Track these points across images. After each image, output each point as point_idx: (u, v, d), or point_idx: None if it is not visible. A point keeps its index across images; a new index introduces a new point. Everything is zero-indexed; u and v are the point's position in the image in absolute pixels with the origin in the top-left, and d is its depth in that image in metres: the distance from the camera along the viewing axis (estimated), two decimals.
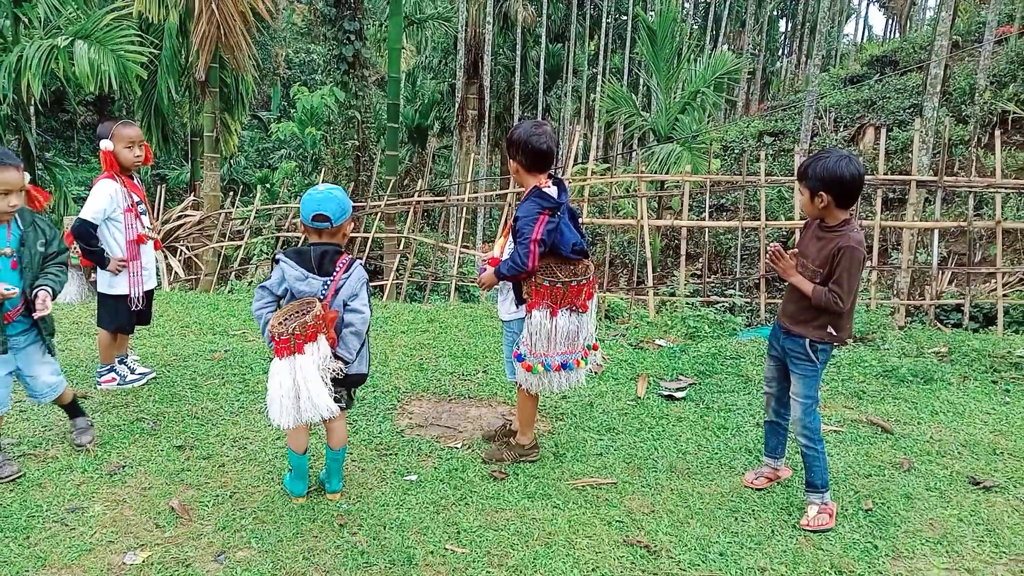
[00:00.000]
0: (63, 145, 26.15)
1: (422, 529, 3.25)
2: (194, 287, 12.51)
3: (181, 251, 13.32)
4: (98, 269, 4.53)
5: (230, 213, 13.75)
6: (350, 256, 3.36)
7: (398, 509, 3.41)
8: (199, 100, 16.23)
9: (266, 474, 3.67)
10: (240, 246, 12.97)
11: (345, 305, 3.30)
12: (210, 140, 14.27)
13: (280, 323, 3.13)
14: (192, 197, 16.07)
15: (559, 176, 3.86)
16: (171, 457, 3.81)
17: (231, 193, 20.09)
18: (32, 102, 13.84)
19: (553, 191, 3.69)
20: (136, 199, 4.62)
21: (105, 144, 4.43)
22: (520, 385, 3.87)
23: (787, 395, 3.61)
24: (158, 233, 4.90)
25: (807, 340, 3.43)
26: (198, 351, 5.54)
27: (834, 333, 3.42)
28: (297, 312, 3.18)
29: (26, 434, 4.00)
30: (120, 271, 4.54)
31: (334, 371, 3.21)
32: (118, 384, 4.72)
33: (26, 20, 13.57)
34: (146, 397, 4.58)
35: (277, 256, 3.31)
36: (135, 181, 4.70)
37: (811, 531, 3.34)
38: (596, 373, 5.44)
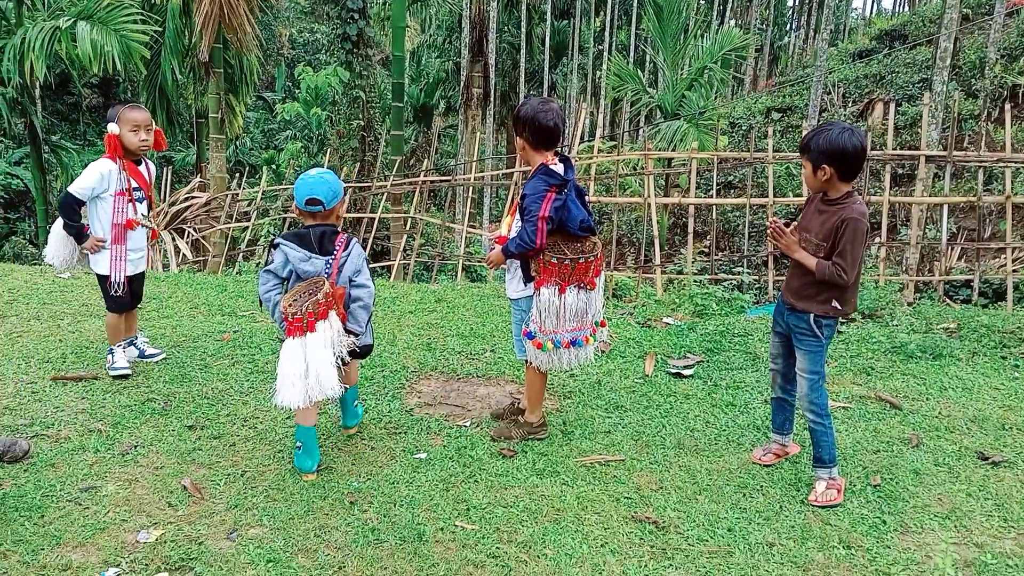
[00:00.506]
0: (69, 128, 26.13)
1: (432, 506, 3.27)
2: (202, 269, 12.55)
3: (188, 233, 13.34)
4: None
5: (237, 194, 13.75)
6: (347, 234, 3.52)
7: (408, 487, 3.43)
8: (203, 81, 16.19)
9: (276, 453, 3.70)
10: (247, 227, 12.99)
11: (351, 281, 3.47)
12: (215, 121, 14.25)
13: (291, 303, 3.25)
14: (198, 179, 16.07)
15: (565, 154, 3.85)
16: (182, 437, 3.84)
17: (237, 175, 20.08)
18: (37, 85, 13.82)
19: (560, 168, 3.67)
20: (134, 185, 4.52)
21: (111, 127, 4.38)
22: (529, 363, 3.88)
23: (793, 371, 3.61)
24: (158, 219, 4.83)
25: (811, 315, 3.42)
26: (207, 332, 5.57)
27: (839, 307, 3.41)
28: (307, 292, 3.30)
29: (38, 415, 4.03)
30: (98, 250, 4.47)
31: (349, 344, 3.37)
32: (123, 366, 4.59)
33: (29, 2, 13.55)
34: (156, 377, 4.60)
35: (276, 241, 3.40)
36: (143, 169, 4.60)
37: (819, 506, 3.36)
38: (603, 352, 5.44)
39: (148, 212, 4.68)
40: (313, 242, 3.40)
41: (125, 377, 4.55)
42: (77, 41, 11.88)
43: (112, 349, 4.65)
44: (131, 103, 4.61)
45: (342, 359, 3.34)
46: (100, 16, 12.23)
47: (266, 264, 3.44)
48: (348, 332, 3.41)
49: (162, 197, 14.98)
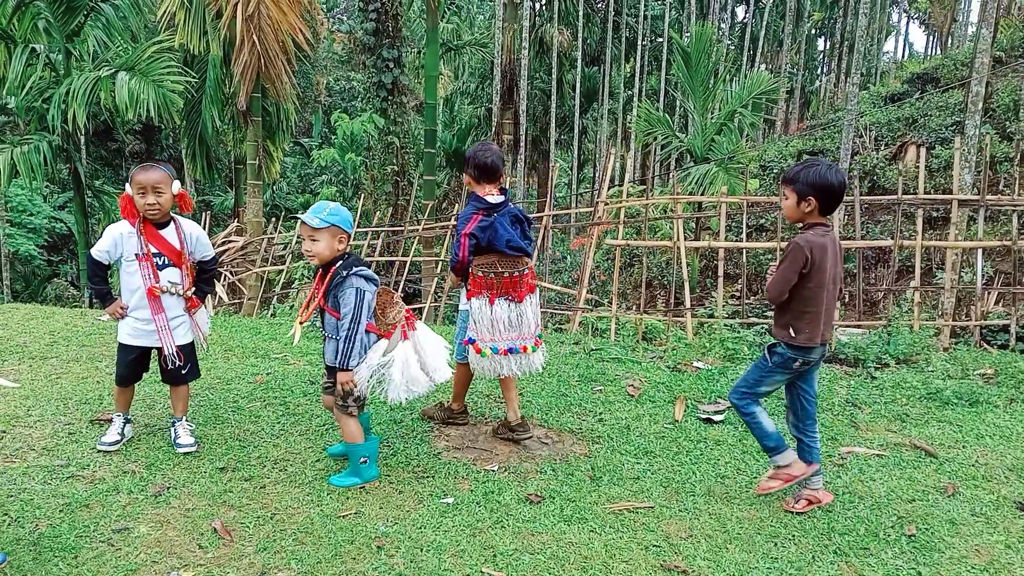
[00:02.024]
0: (112, 173, 26.88)
1: (458, 552, 3.27)
2: (238, 311, 12.74)
3: (225, 276, 13.59)
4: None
5: (272, 238, 14.00)
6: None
7: (435, 531, 3.43)
8: (242, 129, 16.61)
9: (306, 496, 3.72)
10: (282, 270, 13.19)
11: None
12: (253, 167, 14.58)
13: (382, 318, 3.84)
14: (236, 223, 16.40)
15: (504, 187, 4.44)
16: (214, 479, 3.88)
17: (273, 219, 20.47)
18: (81, 132, 14.29)
19: (495, 198, 4.29)
20: (154, 251, 4.11)
21: (128, 188, 4.08)
22: (459, 364, 4.56)
23: (798, 403, 3.87)
24: (188, 287, 4.24)
25: (773, 340, 3.79)
26: (240, 374, 5.65)
27: (792, 335, 3.66)
28: (390, 303, 3.88)
29: (74, 456, 4.10)
30: (119, 317, 4.17)
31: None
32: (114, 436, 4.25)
33: (77, 54, 14.09)
34: (189, 419, 4.67)
35: (356, 271, 3.72)
36: (168, 232, 4.19)
37: (761, 494, 3.82)
38: (633, 396, 5.43)
39: (181, 279, 4.23)
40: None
41: (106, 453, 4.14)
42: (115, 90, 12.31)
43: (112, 417, 4.38)
44: (149, 163, 4.21)
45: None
46: (141, 67, 12.68)
47: (362, 299, 3.73)
48: None
49: None
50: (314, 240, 3.72)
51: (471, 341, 4.31)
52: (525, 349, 4.32)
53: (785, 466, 3.74)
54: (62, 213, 25.73)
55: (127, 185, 4.07)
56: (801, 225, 3.71)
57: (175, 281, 4.20)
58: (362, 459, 3.86)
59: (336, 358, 3.76)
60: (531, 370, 4.43)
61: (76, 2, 13.62)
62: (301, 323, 3.93)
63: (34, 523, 3.37)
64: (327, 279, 3.76)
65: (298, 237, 13.61)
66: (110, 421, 4.40)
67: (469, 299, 4.33)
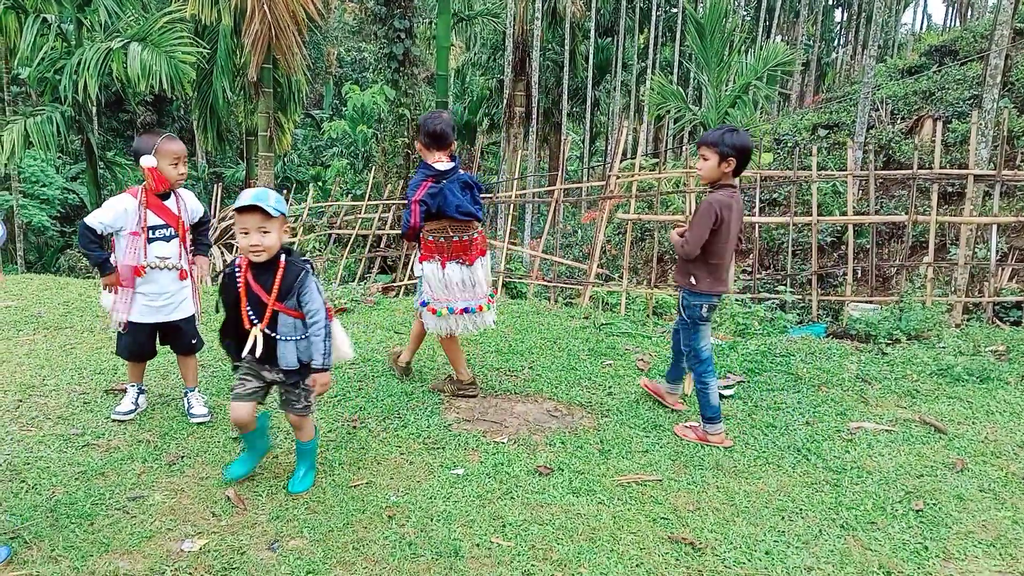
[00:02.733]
0: (124, 144, 26.90)
1: (468, 522, 3.30)
2: None
3: (236, 248, 13.64)
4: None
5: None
6: None
7: (445, 502, 3.47)
8: (253, 100, 16.57)
9: (318, 465, 3.76)
10: (292, 242, 13.23)
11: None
12: (264, 139, 14.58)
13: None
14: None
15: (455, 153, 4.66)
16: (227, 448, 3.93)
17: (284, 190, 20.47)
18: (93, 103, 14.30)
19: (444, 165, 4.48)
20: (160, 222, 4.13)
21: (147, 160, 3.99)
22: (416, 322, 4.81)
23: (678, 344, 4.55)
24: (187, 254, 4.23)
25: (682, 291, 4.30)
26: None
27: (693, 283, 4.20)
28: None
29: (89, 425, 4.16)
30: (114, 289, 4.12)
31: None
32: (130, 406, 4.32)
33: (88, 24, 14.05)
34: (203, 389, 4.72)
35: (313, 266, 3.49)
36: (173, 203, 4.21)
37: (677, 434, 4.29)
38: (643, 370, 5.44)
39: (180, 249, 4.24)
40: None
41: (120, 423, 4.21)
42: (128, 61, 12.29)
43: (124, 388, 4.42)
44: (166, 134, 4.17)
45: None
46: (152, 38, 12.65)
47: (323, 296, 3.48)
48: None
49: (213, 213, 15.33)
50: (265, 232, 3.23)
51: (424, 304, 4.61)
52: (481, 308, 4.65)
53: (711, 433, 4.22)
54: (75, 184, 25.82)
55: (148, 157, 3.98)
56: (710, 188, 4.18)
57: (163, 256, 4.16)
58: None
59: (317, 359, 3.37)
60: (484, 327, 4.78)
61: None
62: (262, 330, 3.38)
63: (50, 490, 3.43)
64: (279, 276, 3.32)
65: (309, 209, 13.60)
66: (124, 391, 4.46)
67: (421, 263, 4.58)
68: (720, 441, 4.20)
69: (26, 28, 13.23)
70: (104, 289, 4.16)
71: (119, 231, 4.06)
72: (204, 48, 15.04)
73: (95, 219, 4.01)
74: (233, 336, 3.50)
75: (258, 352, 3.40)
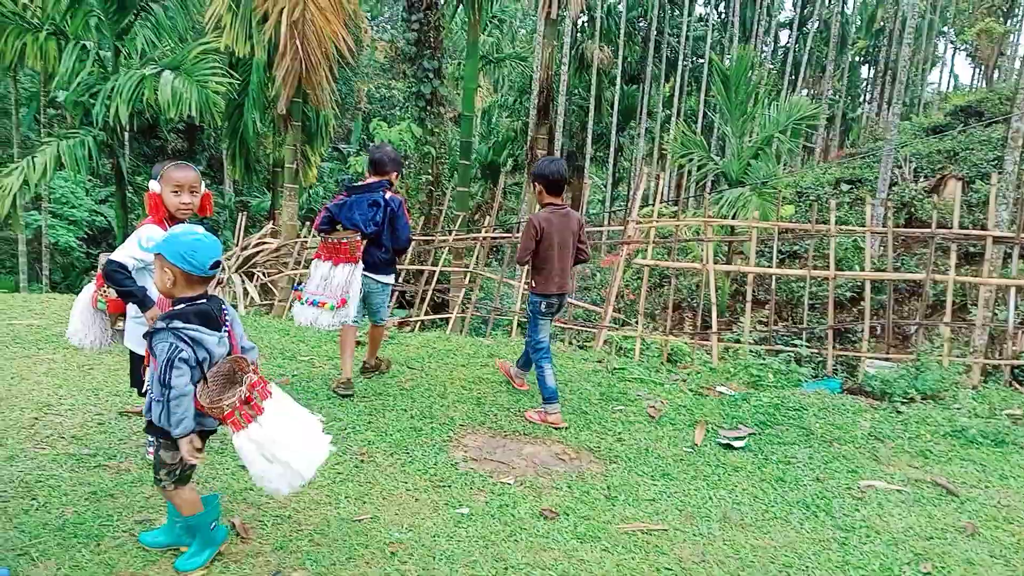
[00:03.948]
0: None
1: (471, 563, 3.29)
2: (269, 311, 12.90)
3: (257, 276, 13.78)
4: (128, 321, 4.04)
5: (306, 241, 14.18)
6: (211, 295, 3.02)
7: (448, 541, 3.46)
8: (282, 132, 16.87)
9: (323, 497, 3.78)
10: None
11: (241, 348, 3.06)
12: (290, 171, 14.81)
13: (213, 394, 2.77)
14: (271, 225, 16.63)
15: (383, 180, 5.38)
16: (235, 476, 3.95)
17: (308, 222, 20.71)
18: (124, 128, 14.63)
19: (369, 182, 5.30)
20: None
21: (152, 185, 3.92)
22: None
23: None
24: (228, 261, 4.54)
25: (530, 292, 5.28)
26: (267, 374, 5.71)
27: (533, 285, 5.23)
28: (224, 375, 2.84)
29: (102, 446, 4.20)
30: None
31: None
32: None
33: (125, 52, 14.43)
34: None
35: (171, 324, 2.78)
36: None
37: (527, 418, 5.13)
38: (653, 417, 5.42)
39: None
40: (215, 318, 2.87)
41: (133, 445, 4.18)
42: (159, 88, 12.59)
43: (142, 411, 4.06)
44: (178, 162, 4.11)
45: None
46: (185, 67, 12.97)
47: (172, 354, 2.74)
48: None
49: (236, 241, 15.53)
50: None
51: (296, 288, 5.63)
52: (323, 304, 5.18)
53: (550, 413, 5.09)
54: (103, 207, 26.25)
55: (154, 182, 3.93)
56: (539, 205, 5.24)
57: None
58: (211, 524, 3.13)
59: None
60: (322, 327, 5.29)
61: (127, 1, 13.98)
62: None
63: (60, 509, 3.46)
64: None
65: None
66: (139, 414, 4.50)
67: (315, 258, 5.40)
68: (557, 421, 5.03)
69: (66, 54, 13.61)
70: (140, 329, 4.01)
71: (150, 264, 3.88)
72: (236, 80, 15.39)
73: (122, 254, 3.87)
74: None
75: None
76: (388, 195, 5.28)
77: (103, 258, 4.04)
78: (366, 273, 5.31)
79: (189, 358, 2.73)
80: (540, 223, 5.05)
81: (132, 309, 3.98)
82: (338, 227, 5.24)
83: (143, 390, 3.41)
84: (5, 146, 24.35)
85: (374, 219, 5.20)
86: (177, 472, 2.99)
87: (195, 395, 2.77)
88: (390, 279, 5.54)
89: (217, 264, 2.86)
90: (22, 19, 13.58)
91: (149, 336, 2.81)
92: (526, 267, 5.43)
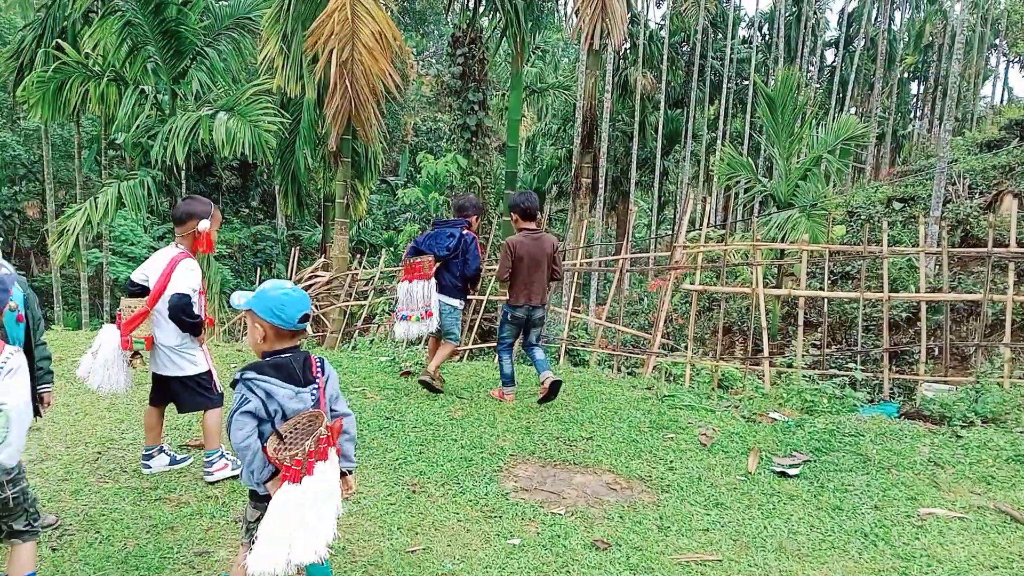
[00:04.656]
0: None
1: None
2: (321, 343, 13.11)
3: (311, 309, 14.02)
4: (156, 348, 4.32)
5: (356, 274, 14.40)
6: (314, 355, 2.98)
7: (500, 572, 3.48)
8: (332, 168, 17.24)
9: (377, 529, 3.83)
10: (364, 305, 13.53)
11: (332, 411, 2.91)
12: (341, 206, 15.09)
13: (283, 446, 2.68)
14: (323, 259, 16.93)
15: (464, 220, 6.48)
16: None
17: (359, 254, 21.05)
18: (181, 167, 15.10)
19: (446, 221, 6.46)
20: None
21: (204, 224, 4.32)
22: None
23: (524, 341, 6.44)
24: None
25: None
26: None
27: (508, 297, 6.20)
28: (294, 431, 2.74)
29: (162, 480, 4.32)
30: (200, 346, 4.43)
31: (345, 492, 2.89)
32: (231, 468, 4.37)
33: (181, 95, 14.96)
34: None
35: (245, 376, 2.77)
36: None
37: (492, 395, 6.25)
38: (704, 445, 5.37)
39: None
40: (297, 371, 2.83)
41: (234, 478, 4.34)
42: (214, 129, 13.02)
43: (221, 452, 4.42)
44: (206, 199, 4.52)
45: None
46: (239, 108, 13.38)
47: (239, 406, 2.72)
48: (342, 474, 2.88)
49: (289, 274, 15.85)
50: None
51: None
52: (410, 318, 6.12)
53: (506, 393, 6.24)
54: (160, 244, 27.06)
55: (205, 221, 4.30)
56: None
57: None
58: None
59: None
60: (413, 335, 6.27)
61: (184, 47, 14.51)
62: None
63: (123, 542, 3.58)
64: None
65: (380, 272, 13.97)
66: (200, 447, 4.63)
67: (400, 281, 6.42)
68: (509, 401, 6.15)
69: (125, 98, 14.14)
70: (194, 353, 4.40)
71: (195, 290, 4.33)
72: (287, 119, 15.79)
73: (187, 286, 4.24)
74: None
75: None
76: (464, 231, 6.28)
77: (134, 302, 4.30)
78: (438, 295, 6.19)
79: (256, 410, 2.71)
80: (514, 245, 6.03)
81: (163, 337, 4.29)
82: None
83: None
84: (68, 187, 25.33)
85: (447, 245, 6.21)
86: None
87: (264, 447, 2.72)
88: (457, 302, 6.34)
89: (307, 317, 2.87)
90: (85, 67, 14.17)
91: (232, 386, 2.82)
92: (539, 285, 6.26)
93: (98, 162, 20.79)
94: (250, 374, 2.74)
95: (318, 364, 2.90)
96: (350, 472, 2.95)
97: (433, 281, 6.16)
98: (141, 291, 4.35)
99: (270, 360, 2.81)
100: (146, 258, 4.74)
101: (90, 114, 19.13)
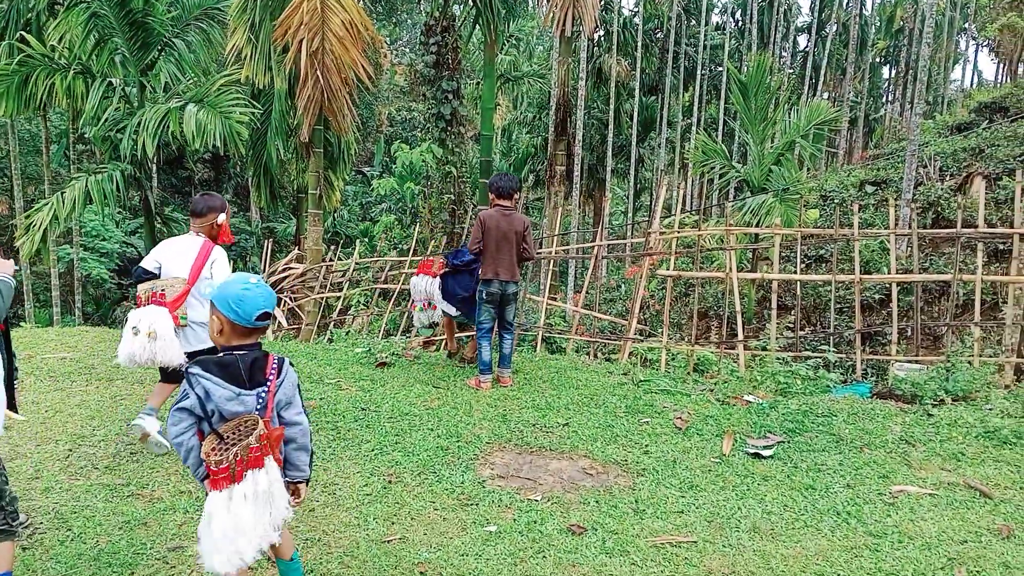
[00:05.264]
0: (181, 200, 27.81)
1: None
2: (296, 336, 13.03)
3: (284, 301, 13.92)
4: (190, 326, 4.56)
5: (331, 265, 14.31)
6: (275, 355, 2.78)
7: (477, 559, 3.48)
8: (305, 159, 17.10)
9: (353, 519, 3.81)
10: (340, 296, 13.46)
11: (280, 417, 2.75)
12: (314, 197, 14.99)
13: (215, 449, 2.57)
14: (296, 251, 16.82)
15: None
16: None
17: (334, 245, 20.91)
18: (151, 161, 14.90)
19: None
20: None
21: (223, 217, 4.73)
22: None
23: (496, 320, 6.51)
24: None
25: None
26: None
27: (481, 273, 6.35)
28: (235, 433, 2.61)
29: (135, 475, 4.28)
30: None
31: (289, 503, 2.72)
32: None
33: (150, 87, 14.73)
34: None
35: (191, 370, 2.63)
36: None
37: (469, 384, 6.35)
38: (680, 428, 5.40)
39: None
40: (243, 372, 2.66)
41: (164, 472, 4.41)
42: (184, 121, 12.84)
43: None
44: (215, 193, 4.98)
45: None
46: (209, 100, 13.20)
47: (178, 401, 2.62)
48: (290, 482, 2.77)
49: (263, 267, 15.72)
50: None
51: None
52: (425, 306, 7.07)
53: (482, 381, 6.30)
54: (133, 238, 26.71)
55: (223, 214, 4.73)
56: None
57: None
58: None
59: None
60: (419, 324, 7.44)
61: (151, 38, 14.27)
62: None
63: (95, 539, 3.54)
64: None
65: (355, 264, 13.90)
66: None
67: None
68: (486, 388, 6.23)
69: (92, 91, 13.90)
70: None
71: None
72: (259, 109, 15.63)
73: (229, 271, 4.65)
74: None
75: None
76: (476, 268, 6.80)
77: (159, 283, 4.64)
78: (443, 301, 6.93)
79: (192, 407, 2.59)
80: (484, 219, 6.27)
81: (195, 315, 4.60)
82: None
83: None
84: (37, 183, 24.91)
85: (471, 252, 6.61)
86: None
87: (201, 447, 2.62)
88: (451, 309, 6.95)
89: (266, 316, 2.69)
90: (51, 60, 13.91)
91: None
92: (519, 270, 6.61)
93: (67, 157, 20.46)
94: (195, 369, 2.61)
95: (274, 366, 2.71)
96: (300, 483, 2.81)
97: (437, 280, 6.89)
98: (150, 278, 4.64)
99: (218, 357, 2.66)
100: (119, 253, 4.89)
101: (58, 108, 18.83)
